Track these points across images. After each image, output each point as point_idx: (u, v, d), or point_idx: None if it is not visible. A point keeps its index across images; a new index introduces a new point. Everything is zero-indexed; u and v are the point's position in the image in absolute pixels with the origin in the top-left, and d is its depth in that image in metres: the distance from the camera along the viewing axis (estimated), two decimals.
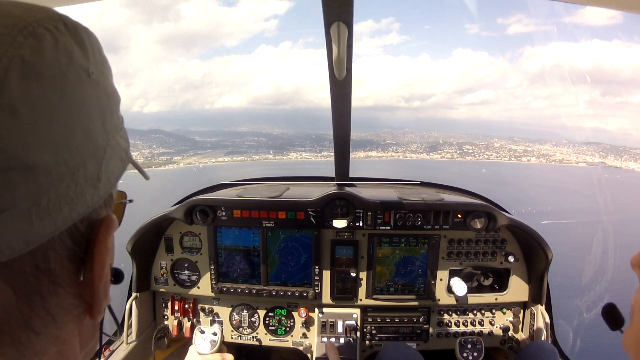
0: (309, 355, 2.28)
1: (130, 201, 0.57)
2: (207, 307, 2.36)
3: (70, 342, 0.44)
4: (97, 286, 0.43)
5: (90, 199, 0.40)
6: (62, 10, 0.41)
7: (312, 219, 2.12)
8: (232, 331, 2.37)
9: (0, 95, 0.31)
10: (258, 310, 2.34)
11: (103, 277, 0.44)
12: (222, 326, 2.33)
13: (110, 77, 0.46)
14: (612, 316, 0.73)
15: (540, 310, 2.14)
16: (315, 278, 2.22)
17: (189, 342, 1.89)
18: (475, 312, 2.30)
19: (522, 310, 2.31)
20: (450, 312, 2.31)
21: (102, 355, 2.02)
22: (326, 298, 2.25)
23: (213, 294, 2.28)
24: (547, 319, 2.11)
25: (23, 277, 0.36)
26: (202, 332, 1.76)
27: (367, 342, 2.29)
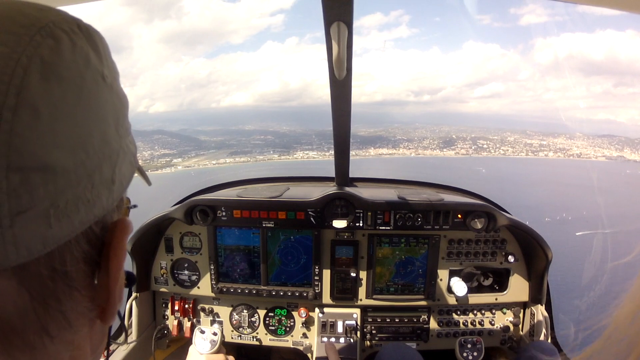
0: (309, 355, 2.28)
1: (135, 206, 0.57)
2: (207, 307, 2.36)
3: (83, 346, 0.43)
4: (112, 289, 0.43)
5: (106, 201, 0.40)
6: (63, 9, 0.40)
7: (312, 219, 2.12)
8: (232, 331, 2.37)
9: (21, 93, 0.31)
10: (258, 310, 2.34)
11: (119, 280, 0.44)
12: (222, 326, 2.33)
13: (119, 82, 0.46)
14: None
15: (540, 310, 2.15)
16: (315, 278, 2.23)
17: (189, 342, 1.89)
18: (475, 312, 2.31)
19: (522, 310, 2.31)
20: (450, 312, 2.31)
21: (102, 355, 2.02)
22: (326, 298, 2.25)
23: (213, 294, 2.28)
24: (547, 319, 2.11)
25: (40, 280, 0.35)
26: (203, 332, 1.76)
27: (367, 342, 2.29)
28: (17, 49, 0.32)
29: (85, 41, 0.39)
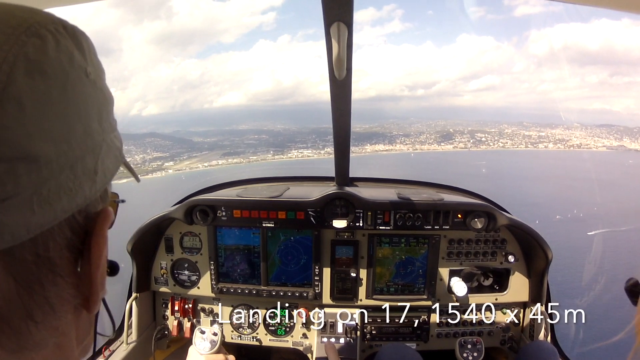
0: (309, 356, 2.28)
1: (123, 201, 0.59)
2: (207, 307, 2.36)
3: (68, 334, 0.45)
4: (94, 276, 0.45)
5: (88, 191, 0.42)
6: (51, 11, 0.42)
7: (312, 219, 2.12)
8: (232, 331, 2.37)
9: (7, 88, 0.33)
10: (258, 311, 2.34)
11: (100, 267, 0.45)
12: (222, 326, 2.33)
13: (104, 80, 0.48)
14: (637, 292, 0.77)
15: (540, 310, 2.15)
16: (315, 278, 2.22)
17: (189, 342, 1.89)
18: (475, 312, 2.30)
19: (522, 310, 2.31)
20: (450, 312, 2.31)
21: (102, 355, 2.03)
22: (326, 298, 2.25)
23: (213, 294, 2.28)
24: (547, 319, 2.11)
25: (24, 265, 0.37)
26: (202, 332, 1.76)
27: (367, 342, 2.29)
28: (4, 47, 0.34)
29: (70, 40, 0.41)
